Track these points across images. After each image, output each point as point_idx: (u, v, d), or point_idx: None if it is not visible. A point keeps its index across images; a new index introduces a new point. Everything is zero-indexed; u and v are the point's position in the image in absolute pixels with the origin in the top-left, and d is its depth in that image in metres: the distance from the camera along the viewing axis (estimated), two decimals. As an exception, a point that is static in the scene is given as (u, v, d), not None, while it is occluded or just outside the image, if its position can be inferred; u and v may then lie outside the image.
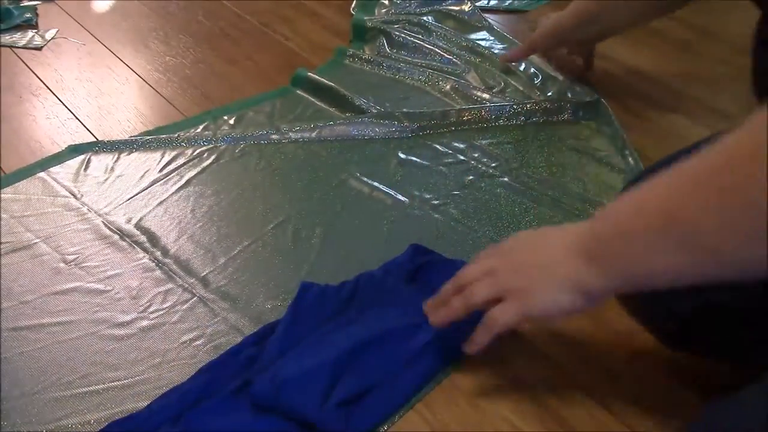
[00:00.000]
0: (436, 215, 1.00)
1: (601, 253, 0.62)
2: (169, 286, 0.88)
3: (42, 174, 1.05)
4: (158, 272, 0.90)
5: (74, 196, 1.01)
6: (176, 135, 1.13)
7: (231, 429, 0.70)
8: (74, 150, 1.10)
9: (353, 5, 1.55)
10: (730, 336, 0.72)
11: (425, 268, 0.88)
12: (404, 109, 1.19)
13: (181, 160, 1.09)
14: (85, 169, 1.06)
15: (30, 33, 1.42)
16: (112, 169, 1.06)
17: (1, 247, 0.92)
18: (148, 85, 1.28)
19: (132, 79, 1.30)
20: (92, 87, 1.27)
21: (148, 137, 1.12)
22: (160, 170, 1.07)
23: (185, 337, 0.82)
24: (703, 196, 0.54)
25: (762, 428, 0.50)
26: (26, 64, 1.32)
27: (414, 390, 0.76)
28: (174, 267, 0.90)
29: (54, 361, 0.79)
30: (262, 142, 1.13)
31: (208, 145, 1.13)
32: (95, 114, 1.20)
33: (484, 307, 0.69)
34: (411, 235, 0.95)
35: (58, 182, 1.04)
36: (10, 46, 1.37)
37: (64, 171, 1.06)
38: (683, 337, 0.75)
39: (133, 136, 1.13)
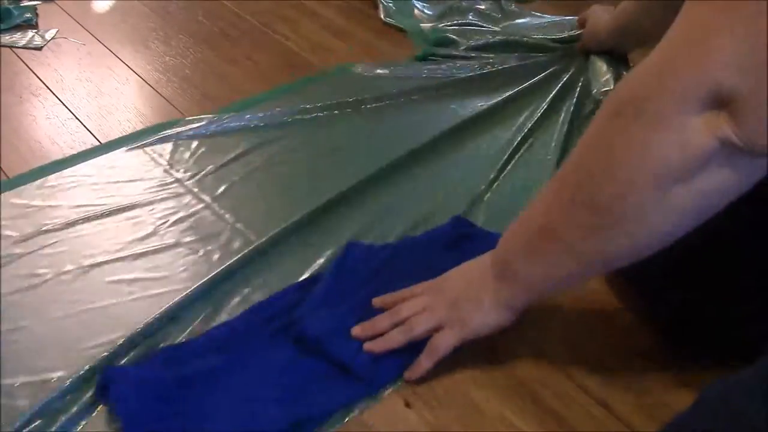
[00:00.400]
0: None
1: (505, 274, 0.75)
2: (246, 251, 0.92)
3: (135, 146, 1.12)
4: (238, 243, 0.95)
5: (165, 166, 1.09)
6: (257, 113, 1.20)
7: (274, 360, 0.78)
8: (162, 127, 1.16)
9: (382, 12, 1.54)
10: (721, 323, 0.77)
11: (465, 239, 0.93)
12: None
13: (262, 136, 1.15)
14: (175, 144, 1.13)
15: (30, 33, 1.42)
16: (199, 144, 1.13)
17: (100, 208, 0.99)
18: (148, 85, 1.28)
19: (132, 79, 1.30)
20: (92, 87, 1.27)
21: (229, 114, 1.19)
22: (245, 145, 1.13)
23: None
24: (557, 207, 0.69)
25: (758, 408, 0.52)
26: (26, 64, 1.32)
27: None
28: (248, 233, 0.97)
29: (144, 311, 0.84)
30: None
31: (286, 117, 1.20)
32: (95, 114, 1.20)
33: (423, 337, 0.78)
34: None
35: (148, 153, 1.11)
36: (10, 46, 1.37)
37: (156, 144, 1.13)
38: (679, 327, 0.81)
39: (216, 114, 1.20)
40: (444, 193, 1.05)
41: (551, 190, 0.71)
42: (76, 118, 1.19)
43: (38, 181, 1.04)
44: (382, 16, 1.53)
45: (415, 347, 0.78)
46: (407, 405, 0.76)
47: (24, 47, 1.38)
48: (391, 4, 1.56)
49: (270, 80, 1.30)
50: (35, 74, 1.30)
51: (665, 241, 0.65)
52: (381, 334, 0.79)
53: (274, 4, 1.56)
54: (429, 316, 0.78)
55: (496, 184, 1.07)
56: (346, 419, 0.75)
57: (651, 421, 0.75)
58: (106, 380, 0.74)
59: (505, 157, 1.12)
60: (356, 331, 0.80)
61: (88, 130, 1.16)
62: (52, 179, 1.04)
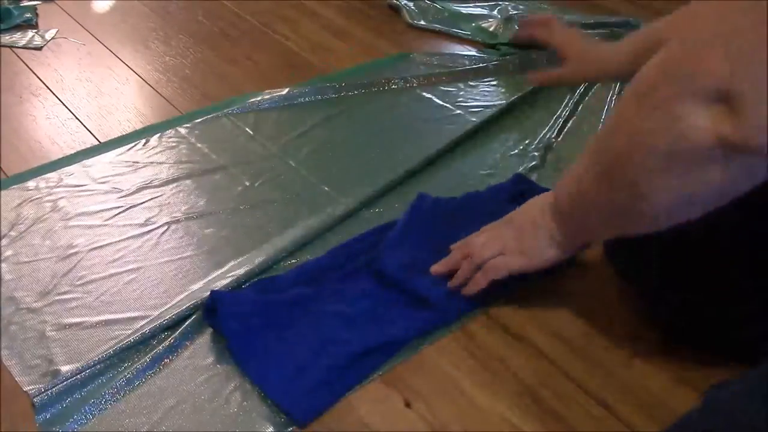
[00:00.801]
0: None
1: (561, 216, 0.81)
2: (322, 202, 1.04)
3: (222, 115, 1.21)
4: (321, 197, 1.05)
5: (250, 132, 1.18)
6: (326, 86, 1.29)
7: (356, 290, 0.87)
8: (242, 98, 1.25)
9: (405, 14, 1.55)
10: (720, 324, 0.78)
11: (524, 194, 0.98)
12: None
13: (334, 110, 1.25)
14: (257, 114, 1.22)
15: (30, 33, 1.42)
16: (279, 115, 1.23)
17: (197, 168, 1.10)
18: (148, 85, 1.28)
19: (132, 79, 1.30)
20: (92, 87, 1.27)
21: (299, 89, 1.27)
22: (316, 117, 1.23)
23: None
24: (591, 175, 0.73)
25: (758, 409, 0.53)
26: (26, 64, 1.32)
27: (502, 292, 0.88)
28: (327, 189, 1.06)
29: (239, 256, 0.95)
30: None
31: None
32: (95, 114, 1.20)
33: (488, 261, 0.85)
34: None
35: (234, 122, 1.20)
36: (10, 46, 1.37)
37: (241, 113, 1.22)
38: (679, 327, 0.82)
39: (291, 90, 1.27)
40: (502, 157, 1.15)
41: (587, 158, 0.75)
42: (76, 118, 1.19)
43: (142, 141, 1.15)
44: (407, 20, 1.54)
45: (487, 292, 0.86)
46: (407, 405, 0.76)
47: (24, 47, 1.38)
48: (411, 5, 1.57)
49: (270, 80, 1.30)
50: (35, 74, 1.30)
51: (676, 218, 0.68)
52: (455, 271, 0.87)
53: (274, 4, 1.56)
54: (494, 244, 0.86)
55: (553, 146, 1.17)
56: (420, 348, 0.82)
57: (651, 421, 0.75)
58: (213, 302, 0.82)
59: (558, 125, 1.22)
60: (435, 268, 0.89)
61: (88, 130, 1.16)
62: (153, 140, 1.15)
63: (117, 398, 0.75)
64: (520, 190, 1.01)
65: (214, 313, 0.82)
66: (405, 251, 0.90)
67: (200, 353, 0.81)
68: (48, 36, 1.41)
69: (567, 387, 0.79)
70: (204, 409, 0.75)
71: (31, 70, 1.31)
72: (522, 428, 0.74)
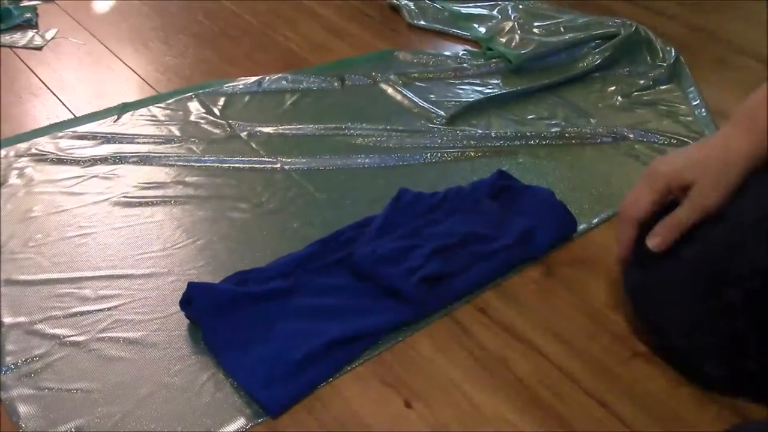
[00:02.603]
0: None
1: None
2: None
3: (194, 96, 1.25)
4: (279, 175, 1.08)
5: (217, 112, 1.22)
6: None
7: (332, 283, 0.88)
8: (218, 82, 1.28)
9: (405, 14, 1.56)
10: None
11: (506, 190, 1.01)
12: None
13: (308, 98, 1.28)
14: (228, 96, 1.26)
15: (30, 33, 1.42)
16: (249, 98, 1.26)
17: (159, 143, 1.13)
18: (149, 85, 1.28)
19: (132, 79, 1.30)
20: (92, 87, 1.27)
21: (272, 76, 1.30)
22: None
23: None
24: None
25: None
26: (26, 64, 1.33)
27: (480, 284, 0.90)
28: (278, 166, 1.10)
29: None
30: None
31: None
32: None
33: None
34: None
35: (204, 103, 1.24)
36: (10, 46, 1.38)
37: (212, 95, 1.26)
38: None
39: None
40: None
41: None
42: (77, 118, 1.19)
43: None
44: (407, 19, 1.54)
45: (463, 283, 0.89)
46: (407, 405, 0.76)
47: (24, 47, 1.38)
48: (411, 5, 1.57)
49: (270, 80, 1.30)
50: (35, 74, 1.30)
51: None
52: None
53: (273, 4, 1.57)
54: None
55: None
56: (395, 343, 0.83)
57: (650, 421, 0.75)
58: (189, 293, 0.83)
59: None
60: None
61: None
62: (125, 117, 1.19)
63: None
64: (500, 186, 1.02)
65: (190, 304, 0.83)
66: (382, 244, 0.91)
67: (175, 344, 0.81)
68: (48, 36, 1.41)
69: (566, 387, 0.79)
70: (176, 399, 0.75)
71: (31, 70, 1.31)
72: (521, 428, 0.75)
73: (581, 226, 0.99)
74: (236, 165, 1.09)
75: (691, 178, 0.77)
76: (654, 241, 0.77)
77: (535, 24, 1.51)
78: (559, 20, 1.53)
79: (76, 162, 1.08)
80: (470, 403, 0.77)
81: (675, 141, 1.17)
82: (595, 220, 1.01)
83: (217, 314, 0.82)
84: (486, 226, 0.95)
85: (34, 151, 1.10)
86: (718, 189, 0.76)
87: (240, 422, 0.73)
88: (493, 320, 0.86)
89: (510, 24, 1.49)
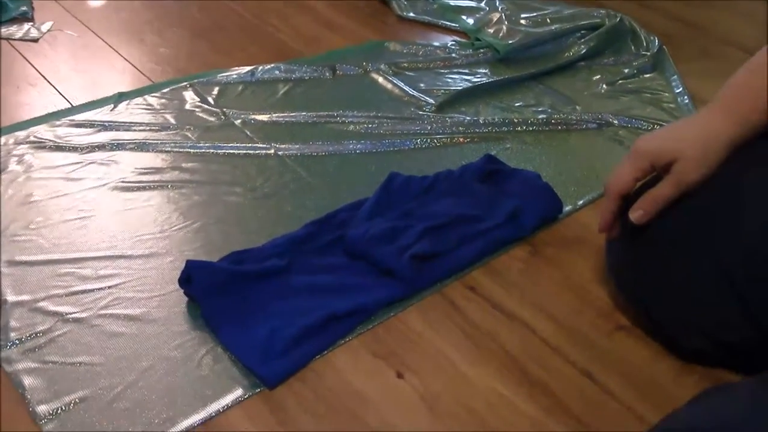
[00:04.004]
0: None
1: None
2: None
3: (188, 85, 1.28)
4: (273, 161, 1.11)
5: (211, 101, 1.25)
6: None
7: (327, 262, 0.91)
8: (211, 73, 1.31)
9: (394, 6, 1.59)
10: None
11: (495, 173, 1.05)
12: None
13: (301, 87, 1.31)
14: (222, 86, 1.29)
15: (26, 26, 1.44)
16: (243, 88, 1.29)
17: (154, 130, 1.16)
18: (144, 75, 1.31)
19: (128, 70, 1.32)
20: (88, 78, 1.29)
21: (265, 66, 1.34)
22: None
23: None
24: None
25: (745, 419, 0.55)
26: (23, 56, 1.35)
27: (469, 262, 0.93)
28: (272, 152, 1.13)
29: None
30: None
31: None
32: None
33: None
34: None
35: (199, 92, 1.27)
36: (7, 39, 1.40)
37: (206, 84, 1.29)
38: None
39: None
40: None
41: None
42: (74, 107, 1.21)
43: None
44: (396, 11, 1.58)
45: (454, 261, 0.92)
46: (399, 376, 0.79)
47: (21, 39, 1.40)
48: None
49: (263, 71, 1.33)
50: (32, 65, 1.32)
51: None
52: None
53: (265, -2, 1.59)
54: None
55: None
56: (388, 317, 0.86)
57: (633, 390, 0.78)
58: (188, 271, 0.85)
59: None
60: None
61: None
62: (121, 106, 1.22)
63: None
64: (489, 170, 1.05)
65: (189, 282, 0.85)
66: (374, 224, 0.93)
67: (175, 320, 0.84)
68: (44, 28, 1.43)
69: (553, 360, 0.82)
70: (177, 371, 0.78)
71: (28, 61, 1.33)
72: (510, 398, 0.77)
73: (567, 208, 1.02)
74: (231, 151, 1.12)
75: (673, 156, 0.79)
76: (636, 215, 0.80)
77: (522, 15, 1.54)
78: (546, 12, 1.56)
79: (74, 149, 1.10)
80: (460, 374, 0.80)
81: (658, 126, 1.21)
82: (580, 202, 1.04)
83: (215, 292, 0.84)
84: (475, 208, 0.98)
85: (32, 138, 1.12)
86: (699, 166, 0.79)
87: (238, 392, 0.76)
88: (481, 297, 0.89)
89: (497, 15, 1.53)
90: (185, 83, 1.27)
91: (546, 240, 0.98)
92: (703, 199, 0.78)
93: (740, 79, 0.83)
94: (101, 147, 1.11)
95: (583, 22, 1.50)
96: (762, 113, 0.80)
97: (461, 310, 0.87)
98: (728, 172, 0.79)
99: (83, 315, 0.84)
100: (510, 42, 1.42)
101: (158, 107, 1.21)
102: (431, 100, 1.25)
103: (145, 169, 1.07)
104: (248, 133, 1.16)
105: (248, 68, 1.32)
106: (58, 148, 1.11)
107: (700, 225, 0.78)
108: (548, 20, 1.52)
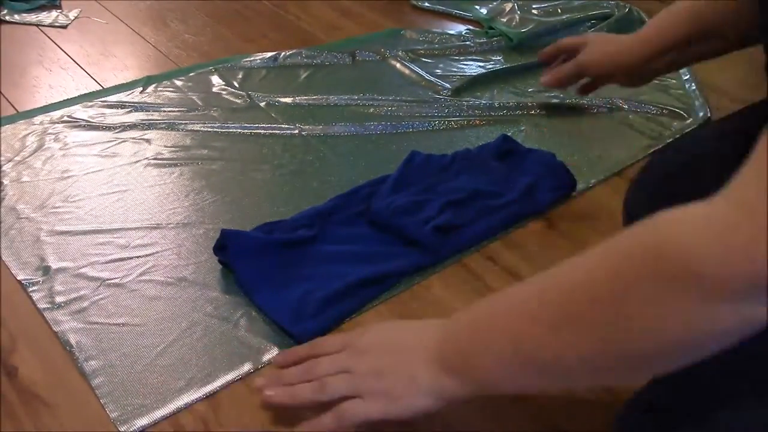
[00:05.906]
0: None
1: (460, 368, 0.63)
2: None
3: (215, 69, 1.34)
4: (297, 140, 1.17)
5: (237, 85, 1.30)
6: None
7: (353, 233, 0.96)
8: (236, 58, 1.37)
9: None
10: None
11: (510, 152, 1.10)
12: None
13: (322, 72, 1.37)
14: (246, 70, 1.34)
15: (54, 12, 1.49)
16: (266, 72, 1.35)
17: (183, 112, 1.21)
18: (171, 60, 1.35)
19: (154, 55, 1.37)
20: (118, 62, 1.34)
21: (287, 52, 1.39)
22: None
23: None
24: (546, 320, 0.56)
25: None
26: (53, 41, 1.40)
27: (488, 234, 0.98)
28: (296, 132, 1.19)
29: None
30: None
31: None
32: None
33: (336, 400, 0.67)
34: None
35: (224, 76, 1.32)
36: (37, 25, 1.44)
37: (232, 69, 1.34)
38: None
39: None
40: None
41: (541, 303, 0.58)
42: (105, 89, 1.26)
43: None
44: (412, 1, 1.63)
45: (473, 233, 0.97)
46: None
47: (50, 26, 1.45)
48: None
49: (285, 56, 1.37)
50: (62, 50, 1.37)
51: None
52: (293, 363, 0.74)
53: (285, -13, 1.64)
54: (348, 381, 0.67)
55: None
56: (412, 284, 0.91)
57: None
58: (223, 239, 0.90)
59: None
60: (261, 382, 0.73)
61: (116, 100, 1.23)
62: (150, 89, 1.27)
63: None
64: (505, 149, 1.10)
65: (224, 249, 0.90)
66: (397, 198, 0.98)
67: (210, 285, 0.89)
68: (72, 15, 1.48)
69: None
70: (214, 332, 0.83)
71: (58, 46, 1.38)
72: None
73: (579, 186, 1.07)
74: (257, 131, 1.17)
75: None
76: (544, 79, 1.13)
77: (534, 6, 1.59)
78: (556, 2, 1.61)
79: (107, 128, 1.15)
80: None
81: (666, 111, 1.25)
82: (593, 181, 1.09)
83: (249, 258, 0.89)
84: (492, 184, 1.03)
85: (67, 118, 1.17)
86: (600, 52, 1.07)
87: (274, 351, 0.81)
88: (500, 266, 0.94)
89: (510, 5, 1.57)
90: (210, 68, 1.32)
91: (560, 215, 1.02)
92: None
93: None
94: (133, 126, 1.16)
95: (593, 12, 1.55)
96: None
97: (480, 277, 0.92)
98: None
99: (123, 280, 0.89)
100: (523, 30, 1.47)
101: (185, 90, 1.26)
102: (447, 85, 1.30)
103: (175, 147, 1.12)
104: (273, 114, 1.21)
105: (271, 54, 1.37)
106: (92, 127, 1.16)
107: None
108: (559, 10, 1.57)
